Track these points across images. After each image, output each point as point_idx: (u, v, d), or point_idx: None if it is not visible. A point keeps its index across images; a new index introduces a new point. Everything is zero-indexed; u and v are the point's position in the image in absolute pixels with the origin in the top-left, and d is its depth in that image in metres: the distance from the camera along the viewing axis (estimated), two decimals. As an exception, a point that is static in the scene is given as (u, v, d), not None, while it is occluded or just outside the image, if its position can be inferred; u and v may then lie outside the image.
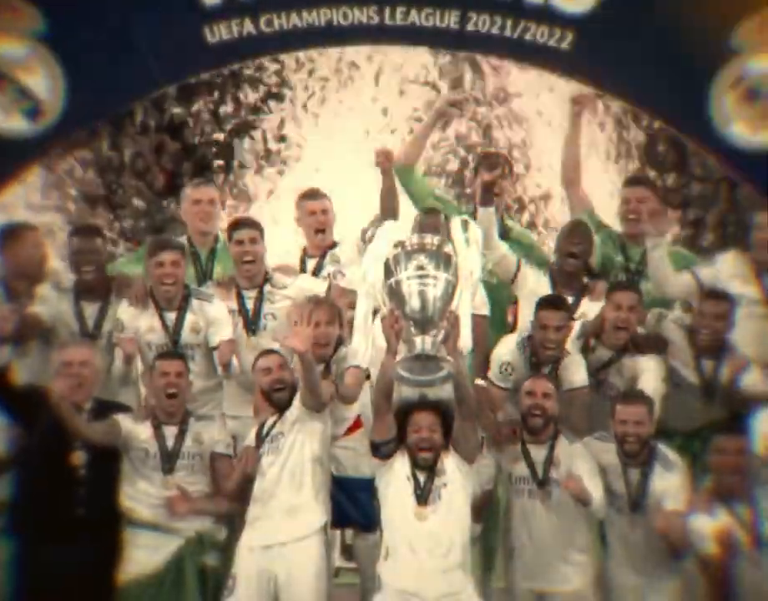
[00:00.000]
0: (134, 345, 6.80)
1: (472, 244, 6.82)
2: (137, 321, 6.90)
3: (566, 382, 6.73)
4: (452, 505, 6.18)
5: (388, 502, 6.23)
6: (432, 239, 6.12)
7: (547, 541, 6.44)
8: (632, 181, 8.16)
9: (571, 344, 6.82)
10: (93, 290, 7.03)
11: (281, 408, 6.45)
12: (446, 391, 6.24)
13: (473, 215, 7.19)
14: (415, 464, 6.20)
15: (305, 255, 7.39)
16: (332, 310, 6.57)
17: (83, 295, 7.03)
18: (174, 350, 6.80)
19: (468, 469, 6.27)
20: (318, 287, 7.03)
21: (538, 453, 6.51)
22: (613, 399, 6.63)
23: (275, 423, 6.45)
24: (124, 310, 6.92)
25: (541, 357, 6.77)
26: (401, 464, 6.23)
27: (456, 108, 7.66)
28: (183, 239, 7.38)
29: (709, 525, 6.12)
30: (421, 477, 6.21)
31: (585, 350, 6.90)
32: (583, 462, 6.45)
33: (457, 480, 6.22)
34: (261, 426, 6.50)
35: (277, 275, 7.08)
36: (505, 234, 7.41)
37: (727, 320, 6.88)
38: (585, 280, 7.27)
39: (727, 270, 7.13)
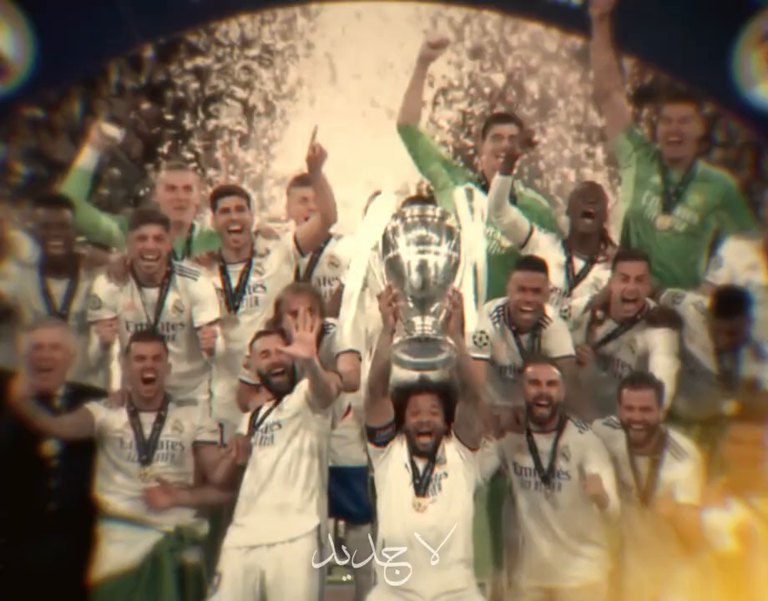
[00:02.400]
0: (113, 330, 6.65)
1: (476, 214, 6.59)
2: (115, 299, 6.70)
3: (549, 352, 6.60)
4: (453, 496, 6.02)
5: (384, 493, 6.07)
6: (433, 211, 5.92)
7: (556, 535, 6.28)
8: (676, 97, 7.54)
9: (550, 310, 6.68)
10: (61, 267, 6.83)
11: (279, 394, 6.26)
12: (447, 372, 6.04)
13: (479, 182, 7.06)
14: (414, 451, 6.03)
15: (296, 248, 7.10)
16: (313, 299, 6.38)
17: (49, 271, 6.83)
18: (151, 330, 6.64)
19: (471, 457, 6.08)
20: None
21: (544, 444, 6.34)
22: (621, 383, 6.43)
23: (270, 411, 6.26)
24: (101, 286, 6.72)
25: (518, 322, 6.63)
26: (398, 451, 6.06)
27: (438, 49, 7.36)
28: None
29: (726, 520, 5.98)
30: (420, 466, 6.03)
31: (592, 323, 6.75)
32: (595, 455, 6.26)
33: (459, 469, 6.05)
34: (255, 413, 6.31)
35: (260, 242, 6.92)
36: (514, 200, 7.17)
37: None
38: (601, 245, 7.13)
39: (733, 261, 6.95)
